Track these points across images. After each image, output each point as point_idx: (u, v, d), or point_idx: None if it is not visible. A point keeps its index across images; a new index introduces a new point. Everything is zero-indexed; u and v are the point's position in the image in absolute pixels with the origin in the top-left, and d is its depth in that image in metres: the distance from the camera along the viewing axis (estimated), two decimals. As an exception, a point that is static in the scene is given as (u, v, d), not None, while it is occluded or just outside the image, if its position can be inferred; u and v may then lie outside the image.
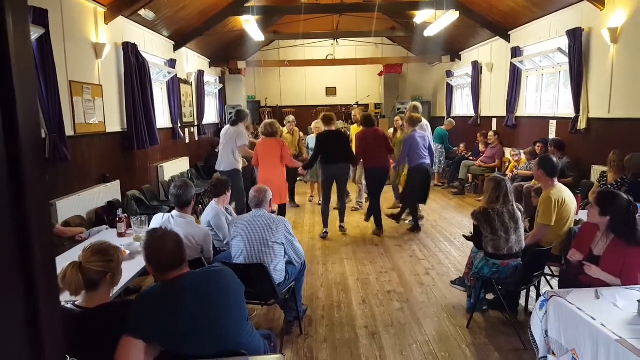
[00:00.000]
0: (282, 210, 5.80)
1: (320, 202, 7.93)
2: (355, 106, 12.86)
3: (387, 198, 7.31)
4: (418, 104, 6.95)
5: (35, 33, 4.19)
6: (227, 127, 6.26)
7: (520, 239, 3.41)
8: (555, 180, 3.63)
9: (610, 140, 5.45)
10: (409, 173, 6.16)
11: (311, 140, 7.59)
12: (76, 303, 1.92)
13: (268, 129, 5.67)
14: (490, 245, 3.39)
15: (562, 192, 3.57)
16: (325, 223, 6.01)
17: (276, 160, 5.57)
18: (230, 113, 11.44)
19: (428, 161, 6.08)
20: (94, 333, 1.85)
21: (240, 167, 6.11)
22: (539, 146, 6.73)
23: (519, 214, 3.42)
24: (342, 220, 6.18)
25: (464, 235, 5.08)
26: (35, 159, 0.63)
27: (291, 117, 8.01)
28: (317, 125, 7.51)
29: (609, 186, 4.71)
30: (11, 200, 0.59)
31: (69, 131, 4.85)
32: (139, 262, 3.05)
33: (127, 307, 1.95)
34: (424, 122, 6.81)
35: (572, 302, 2.33)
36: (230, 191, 3.99)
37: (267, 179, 5.35)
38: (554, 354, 2.40)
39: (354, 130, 7.53)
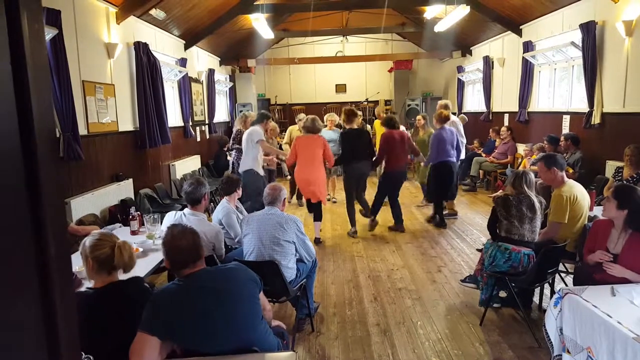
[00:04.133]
0: (318, 209, 5.50)
1: (334, 198, 7.95)
2: (365, 102, 12.84)
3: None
4: (448, 102, 7.12)
5: (48, 33, 4.24)
6: (247, 130, 6.03)
7: (535, 230, 3.40)
8: (564, 175, 3.58)
9: (626, 135, 5.36)
10: (433, 169, 6.15)
11: (325, 134, 7.46)
12: (88, 286, 2.08)
13: (317, 125, 5.32)
14: (503, 229, 3.42)
15: (574, 189, 3.51)
16: (353, 222, 5.86)
17: (318, 159, 5.24)
18: (241, 111, 11.50)
19: (453, 158, 6.10)
20: (107, 309, 1.97)
21: (257, 168, 5.70)
22: (546, 144, 6.66)
23: (538, 205, 3.40)
24: (366, 214, 5.95)
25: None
26: (50, 158, 0.64)
27: (302, 115, 8.00)
28: (331, 118, 7.41)
29: (625, 182, 4.64)
30: (27, 199, 0.60)
31: (82, 130, 4.91)
32: (153, 260, 3.09)
33: (135, 284, 2.08)
34: (454, 118, 6.95)
35: (587, 300, 2.29)
36: (240, 189, 4.01)
37: (308, 179, 5.18)
38: (569, 352, 2.37)
39: (377, 125, 7.48)
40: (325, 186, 5.55)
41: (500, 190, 3.61)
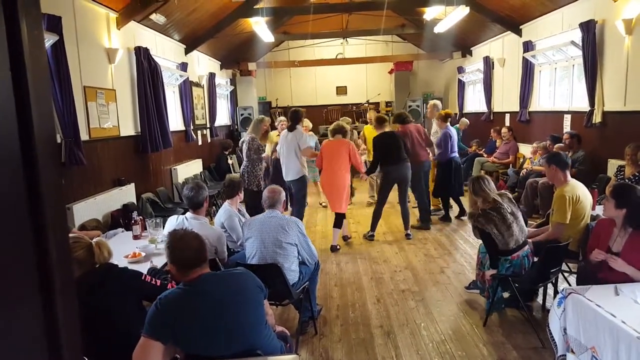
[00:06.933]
0: (340, 220, 5.40)
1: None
2: (366, 104, 12.84)
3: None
4: (437, 102, 7.14)
5: (49, 40, 4.26)
6: (284, 132, 5.69)
7: (522, 226, 3.37)
8: (568, 175, 3.56)
9: (627, 133, 5.34)
10: (440, 167, 6.31)
11: (311, 140, 6.97)
12: None
13: (341, 128, 5.34)
14: (498, 245, 3.34)
15: (576, 189, 3.50)
16: (374, 226, 5.74)
17: (344, 164, 5.20)
18: (242, 114, 11.52)
19: (457, 154, 6.35)
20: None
21: (307, 172, 5.67)
22: (549, 143, 6.66)
23: (510, 203, 3.37)
24: (407, 227, 5.77)
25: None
26: (51, 163, 0.64)
27: (282, 117, 7.57)
28: (305, 124, 6.99)
29: (627, 180, 4.62)
30: (28, 205, 0.60)
31: (84, 136, 4.92)
32: (155, 264, 3.08)
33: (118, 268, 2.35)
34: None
35: (591, 299, 2.29)
36: (242, 192, 4.01)
37: (333, 184, 5.17)
38: (573, 352, 2.36)
39: (367, 130, 7.47)
40: (346, 195, 5.33)
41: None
